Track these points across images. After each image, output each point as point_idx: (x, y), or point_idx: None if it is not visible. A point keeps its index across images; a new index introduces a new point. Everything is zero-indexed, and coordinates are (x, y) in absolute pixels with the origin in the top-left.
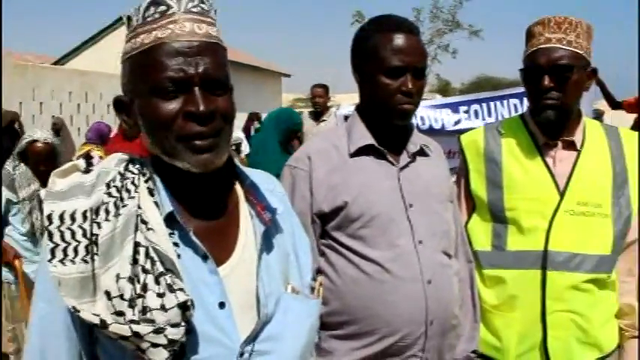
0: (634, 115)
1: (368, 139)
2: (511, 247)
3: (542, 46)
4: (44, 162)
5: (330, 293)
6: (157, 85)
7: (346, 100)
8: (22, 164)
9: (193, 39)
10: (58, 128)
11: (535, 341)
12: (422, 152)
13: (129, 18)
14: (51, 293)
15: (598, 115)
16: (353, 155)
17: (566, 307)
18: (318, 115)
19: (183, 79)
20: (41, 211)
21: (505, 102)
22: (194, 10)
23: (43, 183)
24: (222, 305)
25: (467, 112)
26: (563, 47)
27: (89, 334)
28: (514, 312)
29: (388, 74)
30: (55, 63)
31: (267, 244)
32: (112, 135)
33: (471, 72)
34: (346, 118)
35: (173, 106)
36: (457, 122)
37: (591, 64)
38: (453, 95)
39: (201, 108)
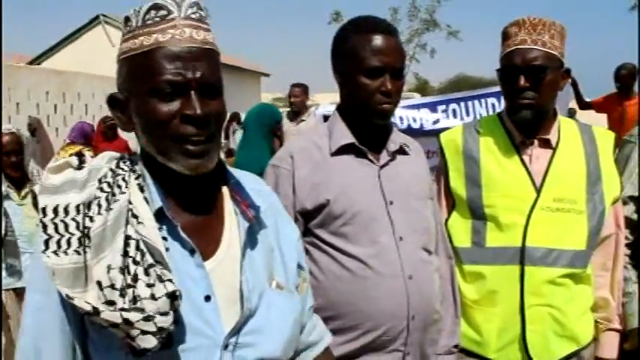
0: (602, 115)
1: (349, 138)
2: (490, 244)
3: (517, 47)
4: (13, 153)
5: (313, 290)
6: (155, 86)
7: (326, 99)
8: None
9: (192, 45)
10: (34, 128)
11: (514, 335)
12: (402, 151)
13: (127, 18)
14: (46, 284)
15: (571, 115)
16: (334, 154)
17: (544, 302)
18: (295, 114)
19: (181, 82)
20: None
21: (483, 101)
22: (193, 16)
23: (16, 178)
24: (207, 298)
25: (445, 111)
26: (538, 48)
27: (81, 325)
28: (494, 307)
29: (367, 74)
30: (31, 62)
31: (251, 240)
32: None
33: (449, 72)
34: (325, 117)
35: (170, 107)
36: (436, 122)
37: (565, 64)
38: (432, 94)
39: (198, 111)
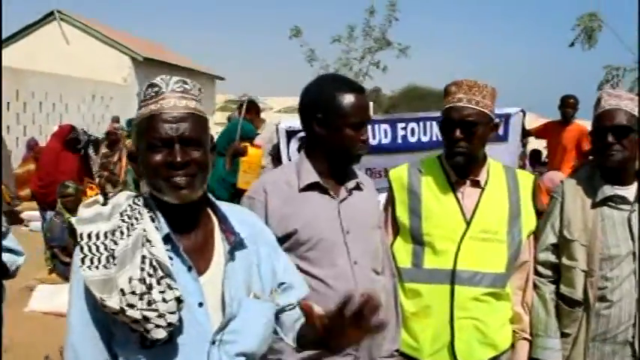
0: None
1: (314, 177)
2: (426, 266)
3: (455, 105)
4: None
5: None
6: (150, 143)
7: (275, 103)
8: None
9: (175, 111)
10: None
11: (445, 342)
12: (357, 187)
13: (138, 94)
14: (84, 292)
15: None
16: (302, 190)
17: (470, 315)
18: None
19: (167, 139)
20: None
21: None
22: (178, 89)
23: None
24: (200, 305)
25: (404, 128)
26: (472, 107)
27: (108, 325)
28: (428, 318)
29: (352, 127)
30: None
31: (232, 260)
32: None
33: (399, 83)
34: (288, 132)
35: (160, 157)
36: (394, 139)
37: (493, 119)
38: (384, 103)
39: (178, 159)
